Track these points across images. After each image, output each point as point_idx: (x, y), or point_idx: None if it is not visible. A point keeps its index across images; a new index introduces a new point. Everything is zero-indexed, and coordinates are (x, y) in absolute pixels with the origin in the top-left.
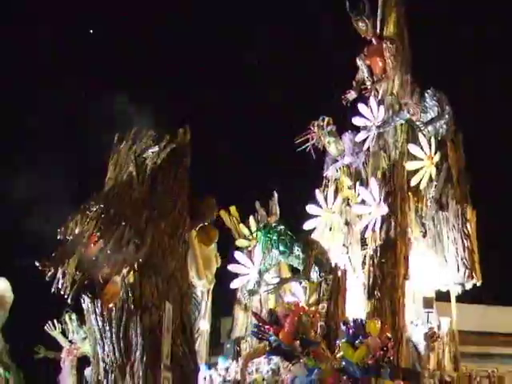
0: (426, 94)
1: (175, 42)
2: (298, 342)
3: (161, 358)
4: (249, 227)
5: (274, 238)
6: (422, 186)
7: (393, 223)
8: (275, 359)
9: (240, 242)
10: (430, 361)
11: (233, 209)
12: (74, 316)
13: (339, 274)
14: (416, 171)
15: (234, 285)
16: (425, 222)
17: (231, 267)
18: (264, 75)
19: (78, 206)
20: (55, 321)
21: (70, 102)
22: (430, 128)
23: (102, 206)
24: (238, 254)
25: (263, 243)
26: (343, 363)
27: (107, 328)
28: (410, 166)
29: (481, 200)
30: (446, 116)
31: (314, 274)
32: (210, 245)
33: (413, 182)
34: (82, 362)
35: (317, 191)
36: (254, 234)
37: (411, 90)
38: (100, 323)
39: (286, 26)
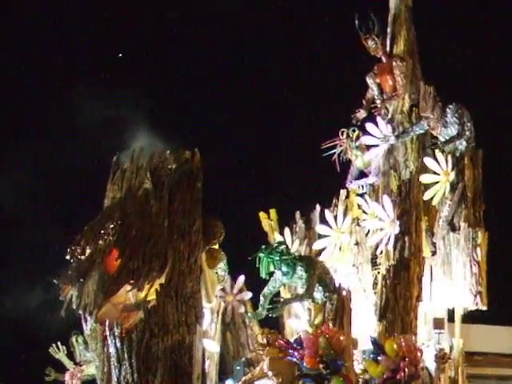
0: (448, 110)
1: (182, 52)
2: (322, 365)
3: (184, 381)
4: (283, 236)
5: (276, 258)
6: (434, 202)
7: (407, 243)
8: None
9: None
10: (440, 382)
11: (273, 212)
12: (80, 339)
13: (344, 293)
14: (430, 186)
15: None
16: (435, 242)
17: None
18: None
19: (83, 225)
20: (59, 343)
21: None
22: (449, 146)
23: (120, 222)
24: None
25: (265, 265)
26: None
27: (126, 350)
28: (425, 178)
29: (495, 221)
30: (467, 133)
31: (319, 295)
32: (214, 267)
33: (426, 197)
34: None
35: (326, 211)
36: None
37: (433, 103)
38: (119, 345)
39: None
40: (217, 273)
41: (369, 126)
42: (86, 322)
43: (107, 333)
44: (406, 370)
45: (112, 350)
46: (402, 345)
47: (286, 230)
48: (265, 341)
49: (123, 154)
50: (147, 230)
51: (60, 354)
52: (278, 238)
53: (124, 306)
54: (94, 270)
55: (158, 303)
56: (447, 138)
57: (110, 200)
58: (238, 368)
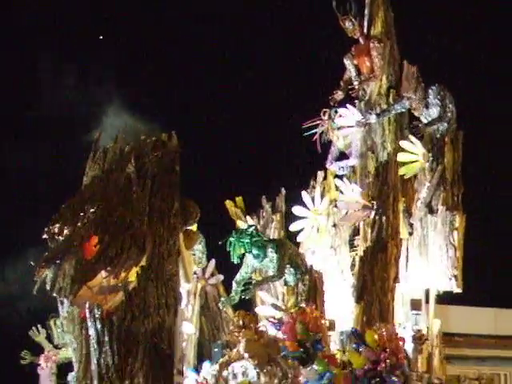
0: (430, 91)
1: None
2: (302, 349)
3: (164, 363)
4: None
5: (247, 241)
6: (406, 176)
7: (384, 224)
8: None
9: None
10: (418, 363)
11: (239, 200)
12: (58, 321)
13: (315, 274)
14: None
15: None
16: (412, 223)
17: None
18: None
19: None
20: (39, 326)
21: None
22: (430, 127)
23: (101, 206)
24: None
25: (236, 249)
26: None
27: (106, 332)
28: (401, 157)
29: (473, 203)
30: (449, 115)
31: (290, 277)
32: (190, 248)
33: (400, 172)
34: (63, 367)
35: (303, 192)
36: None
37: (416, 84)
38: (99, 327)
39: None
40: (194, 254)
41: (344, 110)
42: (61, 304)
43: (87, 315)
44: (388, 361)
45: (92, 332)
46: (383, 335)
47: (249, 218)
48: (240, 323)
49: (104, 134)
50: (128, 216)
51: (40, 337)
52: (243, 225)
53: (103, 288)
54: (71, 253)
55: (138, 286)
56: (429, 119)
57: (89, 179)
58: (215, 350)
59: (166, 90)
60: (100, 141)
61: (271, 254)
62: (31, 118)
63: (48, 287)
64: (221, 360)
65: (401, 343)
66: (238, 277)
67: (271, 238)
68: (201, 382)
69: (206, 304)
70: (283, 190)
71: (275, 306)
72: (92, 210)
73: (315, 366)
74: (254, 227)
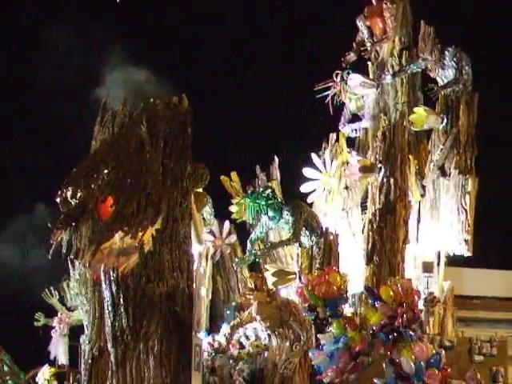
0: (447, 52)
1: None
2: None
3: (179, 326)
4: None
5: (262, 203)
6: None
7: (392, 186)
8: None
9: (238, 205)
10: (430, 326)
11: (234, 175)
12: (71, 284)
13: (331, 237)
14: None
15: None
16: (425, 185)
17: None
18: (261, 31)
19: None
20: (52, 288)
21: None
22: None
23: (114, 167)
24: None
25: (252, 210)
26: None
27: (121, 295)
28: (414, 116)
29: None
30: (465, 77)
31: (305, 239)
32: (200, 210)
33: (416, 128)
34: (75, 330)
35: (313, 155)
36: (242, 201)
37: (432, 45)
38: (114, 290)
39: None
40: (202, 215)
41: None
42: (73, 267)
43: (102, 277)
44: (404, 315)
45: (107, 294)
46: (399, 290)
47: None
48: (253, 285)
49: (111, 98)
50: (142, 177)
51: (53, 300)
52: (241, 200)
53: (118, 250)
54: (87, 215)
55: (153, 248)
56: (445, 80)
57: (98, 142)
58: (228, 312)
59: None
60: (107, 104)
61: (287, 216)
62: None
63: (64, 250)
64: (232, 322)
65: (416, 298)
66: (252, 236)
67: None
68: (212, 344)
69: (222, 264)
70: (276, 159)
71: (283, 271)
72: (106, 172)
73: (332, 330)
74: (270, 190)
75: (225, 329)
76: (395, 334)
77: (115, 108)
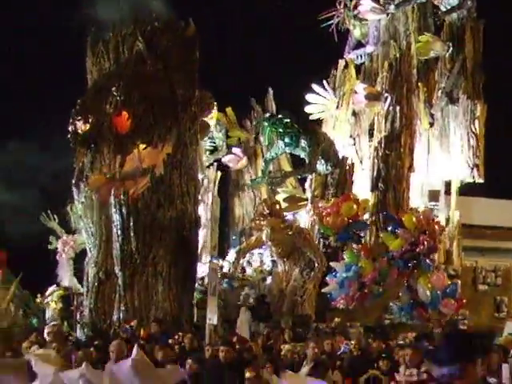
0: None
1: None
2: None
3: (187, 251)
4: (244, 129)
5: (280, 130)
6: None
7: (398, 114)
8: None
9: (233, 133)
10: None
11: (229, 110)
12: (75, 207)
13: (347, 167)
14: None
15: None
16: (433, 113)
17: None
18: None
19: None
20: (49, 211)
21: None
22: (450, 15)
23: (123, 87)
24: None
25: (268, 133)
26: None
27: (132, 219)
28: (420, 44)
29: (496, 93)
30: (469, 3)
31: (321, 167)
32: (203, 138)
33: (422, 56)
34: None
35: (324, 82)
36: (258, 124)
37: None
38: (125, 214)
39: None
40: (215, 143)
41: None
42: (78, 189)
43: (112, 201)
44: (426, 243)
45: (117, 218)
46: (421, 218)
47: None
48: (266, 211)
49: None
50: (151, 91)
51: (52, 223)
52: (238, 133)
53: (129, 173)
54: (105, 132)
55: (164, 173)
56: (448, 7)
57: (96, 72)
58: (233, 238)
59: None
60: (95, 34)
61: (304, 144)
62: None
63: (87, 171)
64: (239, 247)
65: (436, 227)
66: (267, 156)
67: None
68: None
69: (238, 189)
70: (270, 90)
71: (294, 198)
72: (114, 89)
73: (345, 258)
74: (289, 120)
75: (231, 254)
76: (414, 262)
77: (105, 37)
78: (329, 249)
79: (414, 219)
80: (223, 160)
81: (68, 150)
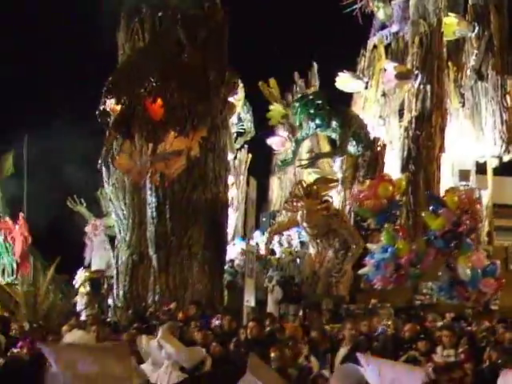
0: None
1: None
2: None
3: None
4: (285, 101)
5: (312, 111)
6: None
7: (429, 93)
8: (304, 234)
9: (274, 111)
10: None
11: (272, 81)
12: (105, 191)
13: (378, 148)
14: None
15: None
16: (463, 93)
17: (269, 141)
18: None
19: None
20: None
21: None
22: None
23: (158, 72)
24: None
25: (299, 114)
26: (428, 235)
27: (167, 201)
28: (446, 21)
29: None
30: None
31: (352, 148)
32: (230, 118)
33: (448, 37)
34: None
35: (343, 72)
36: (279, 109)
37: None
38: (161, 195)
39: None
40: (242, 125)
41: None
42: (109, 172)
43: (147, 184)
44: (468, 222)
45: (152, 200)
46: (464, 198)
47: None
48: (301, 193)
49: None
50: (188, 80)
51: (79, 207)
52: (277, 106)
53: (165, 155)
54: (138, 117)
55: (200, 155)
56: None
57: (129, 50)
58: (263, 219)
59: None
60: (130, 9)
61: (335, 125)
62: None
63: (115, 152)
64: (270, 228)
65: (478, 206)
66: (298, 136)
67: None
68: (252, 251)
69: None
70: (315, 65)
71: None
72: (150, 74)
73: (382, 239)
74: (321, 101)
75: (259, 235)
76: (456, 242)
77: (140, 15)
78: (364, 230)
79: (456, 199)
80: (267, 142)
81: (95, 131)
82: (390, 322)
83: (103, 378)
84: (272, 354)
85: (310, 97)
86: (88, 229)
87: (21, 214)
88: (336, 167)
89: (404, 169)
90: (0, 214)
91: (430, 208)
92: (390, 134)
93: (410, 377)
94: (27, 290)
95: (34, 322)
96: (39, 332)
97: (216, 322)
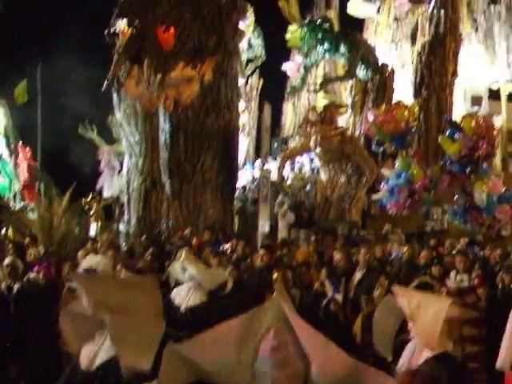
0: None
1: None
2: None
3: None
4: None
5: (319, 35)
6: None
7: (442, 18)
8: (316, 159)
9: (293, 33)
10: None
11: (292, 0)
12: (115, 118)
13: (386, 73)
14: None
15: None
16: (476, 17)
17: (284, 66)
18: None
19: None
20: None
21: None
22: None
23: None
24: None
25: (307, 40)
26: (444, 160)
27: (181, 127)
28: None
29: None
30: None
31: (361, 73)
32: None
33: None
34: None
35: None
36: (297, 29)
37: None
38: (174, 122)
39: None
40: (254, 50)
41: None
42: (120, 98)
43: (160, 109)
44: (484, 148)
45: (166, 126)
46: (481, 123)
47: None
48: (314, 118)
49: None
50: (202, 9)
51: (90, 133)
52: (297, 31)
53: (178, 80)
54: (149, 45)
55: (213, 81)
56: None
57: None
58: (275, 145)
59: None
60: None
61: (343, 50)
62: None
63: (122, 78)
64: (283, 153)
65: (495, 132)
66: (307, 62)
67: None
68: (266, 177)
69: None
70: None
71: (334, 104)
72: (165, 1)
73: (397, 164)
74: (328, 24)
75: (270, 161)
76: (472, 167)
77: None
78: (384, 155)
79: (473, 124)
80: (283, 67)
81: (108, 59)
82: (405, 248)
83: (132, 312)
84: (274, 276)
85: (318, 22)
86: (102, 155)
87: (20, 143)
88: (345, 92)
89: (417, 94)
90: (11, 141)
91: (447, 133)
92: (402, 59)
93: (435, 301)
94: (42, 215)
95: (50, 248)
96: (55, 257)
97: (229, 248)
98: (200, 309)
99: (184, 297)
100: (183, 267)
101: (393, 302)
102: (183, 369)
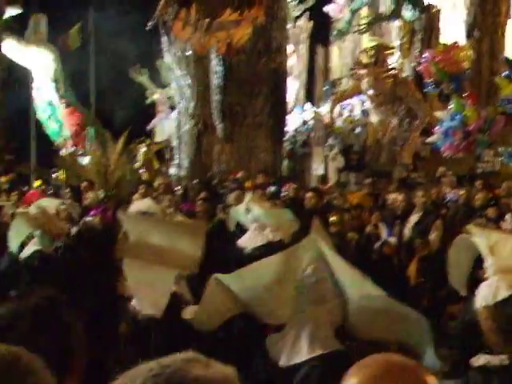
0: None
1: None
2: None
3: (282, 101)
4: None
5: None
6: None
7: None
8: (367, 102)
9: None
10: None
11: None
12: (165, 63)
13: (433, 12)
14: None
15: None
16: None
17: (326, 8)
18: None
19: None
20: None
21: None
22: None
23: None
24: None
25: None
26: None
27: (234, 70)
28: None
29: None
30: None
31: (408, 13)
32: None
33: None
34: None
35: None
36: None
37: None
38: (227, 65)
39: None
40: None
41: None
42: (170, 42)
43: (213, 53)
44: None
45: (218, 70)
46: None
47: None
48: (365, 60)
49: None
50: None
51: (141, 78)
52: None
53: (229, 23)
54: None
55: (265, 24)
56: None
57: None
58: (326, 88)
59: None
60: None
61: None
62: None
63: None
64: (333, 97)
65: None
66: (352, 6)
67: None
68: (319, 119)
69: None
70: None
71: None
72: None
73: (451, 106)
74: None
75: (321, 104)
76: None
77: None
78: (441, 96)
79: None
80: (324, 9)
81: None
82: (462, 191)
83: (170, 252)
84: (331, 218)
85: None
86: (158, 96)
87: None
88: (393, 35)
89: (469, 35)
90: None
91: (505, 73)
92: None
93: None
94: (97, 160)
95: (107, 191)
96: (112, 201)
97: (282, 191)
98: (265, 247)
99: (248, 239)
100: (247, 208)
101: (469, 239)
102: (226, 300)
